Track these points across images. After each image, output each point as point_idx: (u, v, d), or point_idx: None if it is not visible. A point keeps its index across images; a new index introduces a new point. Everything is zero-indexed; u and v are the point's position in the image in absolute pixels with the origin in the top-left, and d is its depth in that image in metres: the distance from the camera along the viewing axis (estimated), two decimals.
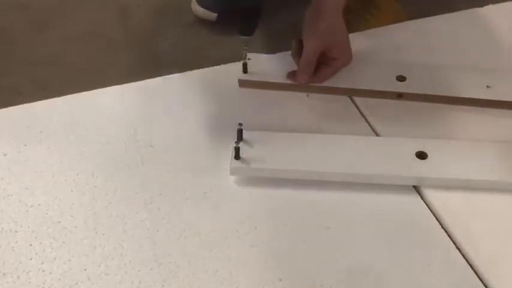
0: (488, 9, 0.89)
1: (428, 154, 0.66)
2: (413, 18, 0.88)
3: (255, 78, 0.76)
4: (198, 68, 0.80)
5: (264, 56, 0.79)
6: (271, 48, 0.80)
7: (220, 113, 0.74)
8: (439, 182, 0.64)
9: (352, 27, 0.89)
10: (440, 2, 0.92)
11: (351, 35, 0.86)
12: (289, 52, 0.81)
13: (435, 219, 0.62)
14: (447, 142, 0.68)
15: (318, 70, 0.74)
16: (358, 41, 0.84)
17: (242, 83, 0.76)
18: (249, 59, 0.76)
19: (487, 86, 0.74)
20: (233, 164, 0.65)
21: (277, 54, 0.81)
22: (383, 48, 0.83)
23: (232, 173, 0.65)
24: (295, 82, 0.75)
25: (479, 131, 0.71)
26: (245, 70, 0.76)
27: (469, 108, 0.74)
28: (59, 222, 0.62)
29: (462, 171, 0.64)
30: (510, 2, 0.91)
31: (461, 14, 0.89)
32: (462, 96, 0.73)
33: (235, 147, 0.65)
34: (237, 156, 0.65)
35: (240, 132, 0.66)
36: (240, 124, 0.66)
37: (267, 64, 0.78)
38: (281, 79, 0.76)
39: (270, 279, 0.57)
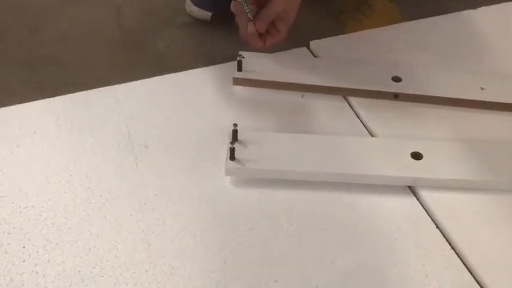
0: (481, 11, 0.90)
1: (423, 154, 0.66)
2: (407, 19, 0.89)
3: (249, 76, 0.76)
4: (193, 68, 0.80)
5: (258, 55, 0.79)
6: (266, 48, 0.80)
7: (215, 113, 0.74)
8: (434, 182, 0.64)
9: (346, 28, 0.89)
10: (434, 3, 0.92)
11: (345, 36, 0.87)
12: (286, 52, 0.81)
13: (430, 219, 0.62)
14: (442, 142, 0.68)
15: (272, 32, 0.72)
16: (353, 42, 0.84)
17: (236, 81, 0.76)
18: (243, 57, 0.76)
19: (481, 88, 0.74)
20: (228, 164, 0.65)
21: (272, 54, 0.81)
22: (377, 49, 0.83)
23: (227, 174, 0.65)
24: (247, 37, 0.71)
25: (473, 131, 0.71)
26: (239, 68, 0.76)
27: (463, 109, 0.74)
28: (53, 223, 0.61)
29: (457, 171, 0.65)
30: (502, 4, 0.91)
31: (455, 16, 0.89)
32: (457, 97, 0.74)
33: (230, 147, 0.64)
34: (232, 157, 0.65)
35: (235, 133, 0.66)
36: (235, 125, 0.66)
37: (261, 62, 0.78)
38: (275, 77, 0.76)
39: (266, 280, 0.57)
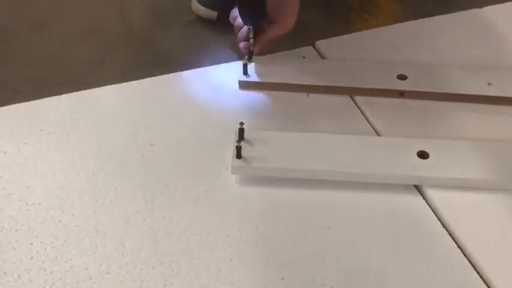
0: (488, 10, 0.90)
1: (429, 154, 0.66)
2: (413, 18, 0.89)
3: (255, 79, 0.76)
4: (199, 67, 0.80)
5: (264, 57, 0.79)
6: (271, 48, 0.80)
7: (221, 112, 0.74)
8: (440, 181, 0.64)
9: (352, 27, 0.89)
10: (440, 2, 0.92)
11: (350, 35, 0.86)
12: (291, 51, 0.81)
13: (437, 218, 0.62)
14: (449, 141, 0.68)
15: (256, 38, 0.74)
16: (358, 41, 0.84)
17: (242, 85, 0.76)
18: (248, 60, 0.76)
19: (488, 83, 0.74)
20: (234, 163, 0.65)
21: (277, 54, 0.81)
22: (383, 48, 0.83)
23: (233, 172, 0.65)
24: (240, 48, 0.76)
25: (481, 130, 0.71)
26: (245, 71, 0.76)
27: (470, 107, 0.74)
28: (60, 221, 0.61)
29: (464, 170, 0.65)
30: (509, 3, 0.91)
31: (461, 15, 0.89)
32: (464, 93, 0.74)
33: (236, 146, 0.65)
34: (239, 156, 0.65)
35: (241, 131, 0.66)
36: (241, 123, 0.66)
37: (266, 64, 0.78)
38: (282, 79, 0.76)
39: (272, 278, 0.57)
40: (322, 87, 0.76)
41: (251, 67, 0.76)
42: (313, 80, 0.76)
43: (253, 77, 0.76)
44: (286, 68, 0.77)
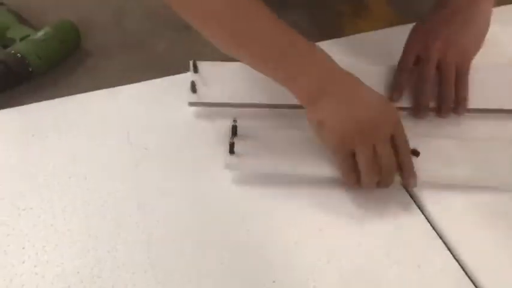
0: None
1: (420, 152, 0.66)
2: (404, 23, 0.89)
3: (206, 99, 0.69)
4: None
5: (218, 64, 0.72)
6: None
7: (214, 114, 0.74)
8: (429, 181, 0.64)
9: (343, 31, 0.90)
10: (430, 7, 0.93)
11: (341, 39, 0.87)
12: None
13: (425, 219, 0.63)
14: (438, 141, 0.68)
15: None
16: (349, 45, 0.85)
17: (193, 105, 0.71)
18: (196, 73, 0.70)
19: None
20: (228, 159, 0.65)
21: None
22: (373, 52, 0.83)
23: (226, 167, 0.65)
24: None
25: (471, 130, 0.72)
26: (194, 89, 0.68)
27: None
28: (52, 225, 0.61)
29: (453, 170, 0.65)
30: (498, 8, 0.91)
31: None
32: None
33: (230, 142, 0.64)
34: (232, 151, 0.65)
35: (234, 128, 0.66)
36: (235, 120, 0.66)
37: (223, 75, 0.71)
38: (241, 97, 0.70)
39: (264, 281, 0.57)
40: (288, 105, 0.74)
41: (203, 80, 0.68)
42: (279, 98, 0.73)
43: (203, 95, 0.68)
44: (248, 82, 0.71)
